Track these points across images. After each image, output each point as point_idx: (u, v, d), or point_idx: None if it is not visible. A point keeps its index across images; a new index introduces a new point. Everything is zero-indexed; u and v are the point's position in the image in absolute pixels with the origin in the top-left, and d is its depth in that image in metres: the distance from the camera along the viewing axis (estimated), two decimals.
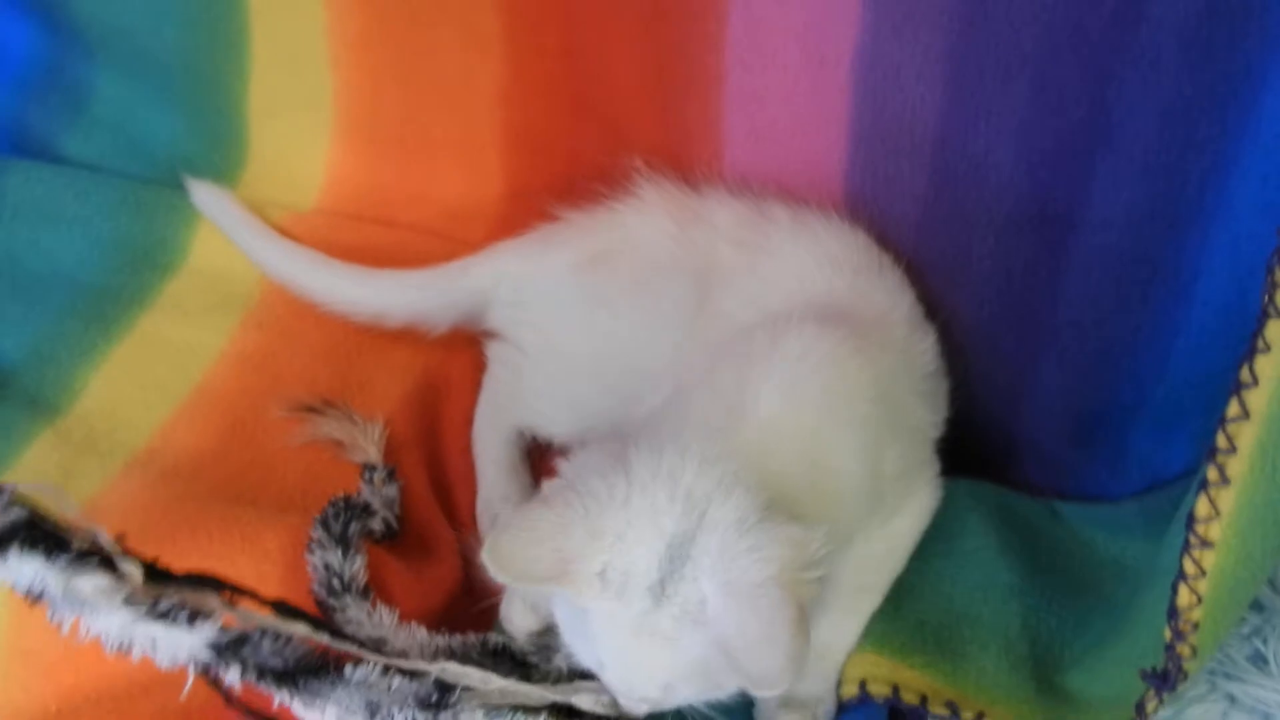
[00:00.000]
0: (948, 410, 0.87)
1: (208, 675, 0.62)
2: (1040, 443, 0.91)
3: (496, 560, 0.63)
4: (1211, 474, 0.67)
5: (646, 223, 0.91)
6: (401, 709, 0.63)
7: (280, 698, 0.62)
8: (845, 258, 0.86)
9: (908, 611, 0.81)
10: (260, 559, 0.76)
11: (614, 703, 0.70)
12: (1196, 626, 0.69)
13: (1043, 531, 0.88)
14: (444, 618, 0.79)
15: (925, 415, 0.84)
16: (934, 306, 0.87)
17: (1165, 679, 0.71)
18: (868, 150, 0.86)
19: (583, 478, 0.67)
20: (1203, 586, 0.68)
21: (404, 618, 0.74)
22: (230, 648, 0.61)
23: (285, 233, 1.05)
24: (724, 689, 0.68)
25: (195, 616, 0.61)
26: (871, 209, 0.88)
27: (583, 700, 0.70)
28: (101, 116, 1.11)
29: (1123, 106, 0.73)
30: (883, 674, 0.78)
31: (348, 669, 0.63)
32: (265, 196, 1.08)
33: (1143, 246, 0.77)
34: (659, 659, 0.65)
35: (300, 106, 1.07)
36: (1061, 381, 0.86)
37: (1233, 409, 0.65)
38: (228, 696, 0.63)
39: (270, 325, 1.00)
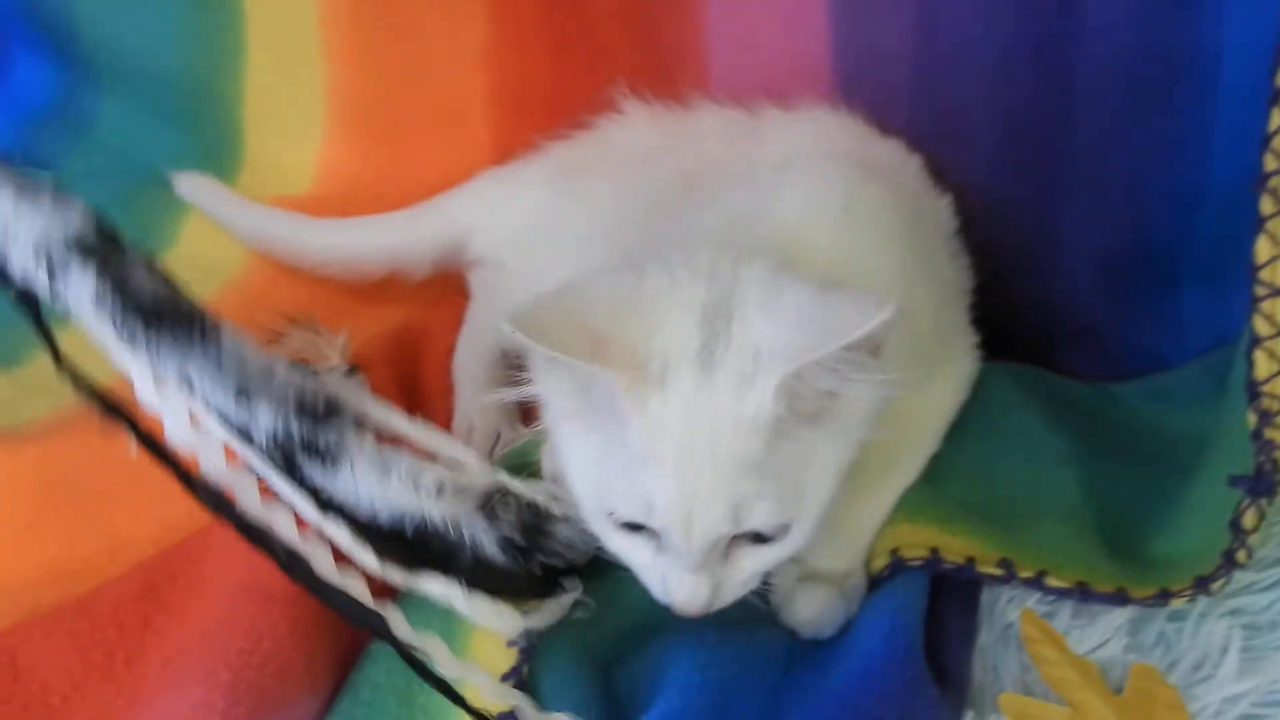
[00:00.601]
0: (972, 280, 0.78)
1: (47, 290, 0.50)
2: (1081, 315, 0.80)
3: (527, 325, 0.52)
4: (1266, 205, 0.57)
5: (629, 133, 0.87)
6: (278, 406, 0.51)
7: (130, 345, 0.50)
8: (843, 132, 0.80)
9: (945, 489, 0.70)
10: None
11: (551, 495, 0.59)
12: None
13: (1097, 410, 0.76)
14: None
15: (953, 275, 0.75)
16: (940, 179, 0.80)
17: (1260, 479, 0.58)
18: (850, 22, 0.82)
19: (589, 283, 0.58)
20: None
21: None
22: (91, 249, 0.50)
23: None
24: (800, 511, 0.56)
25: (61, 204, 0.51)
26: (862, 88, 0.83)
27: (516, 485, 0.58)
28: (104, 140, 1.12)
29: None
30: (919, 540, 0.66)
31: (225, 332, 0.52)
32: (259, 193, 1.06)
33: (1153, 41, 0.70)
34: (723, 453, 0.53)
35: (294, 102, 1.07)
36: (1090, 226, 0.77)
37: (1275, 120, 0.56)
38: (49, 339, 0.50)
39: (248, 291, 0.96)
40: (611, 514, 0.57)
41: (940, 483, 0.70)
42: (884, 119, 0.82)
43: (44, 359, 0.85)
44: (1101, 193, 0.76)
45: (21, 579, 0.64)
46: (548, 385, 0.57)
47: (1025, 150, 0.78)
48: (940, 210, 0.77)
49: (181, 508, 0.66)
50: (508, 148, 1.00)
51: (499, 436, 0.80)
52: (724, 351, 0.54)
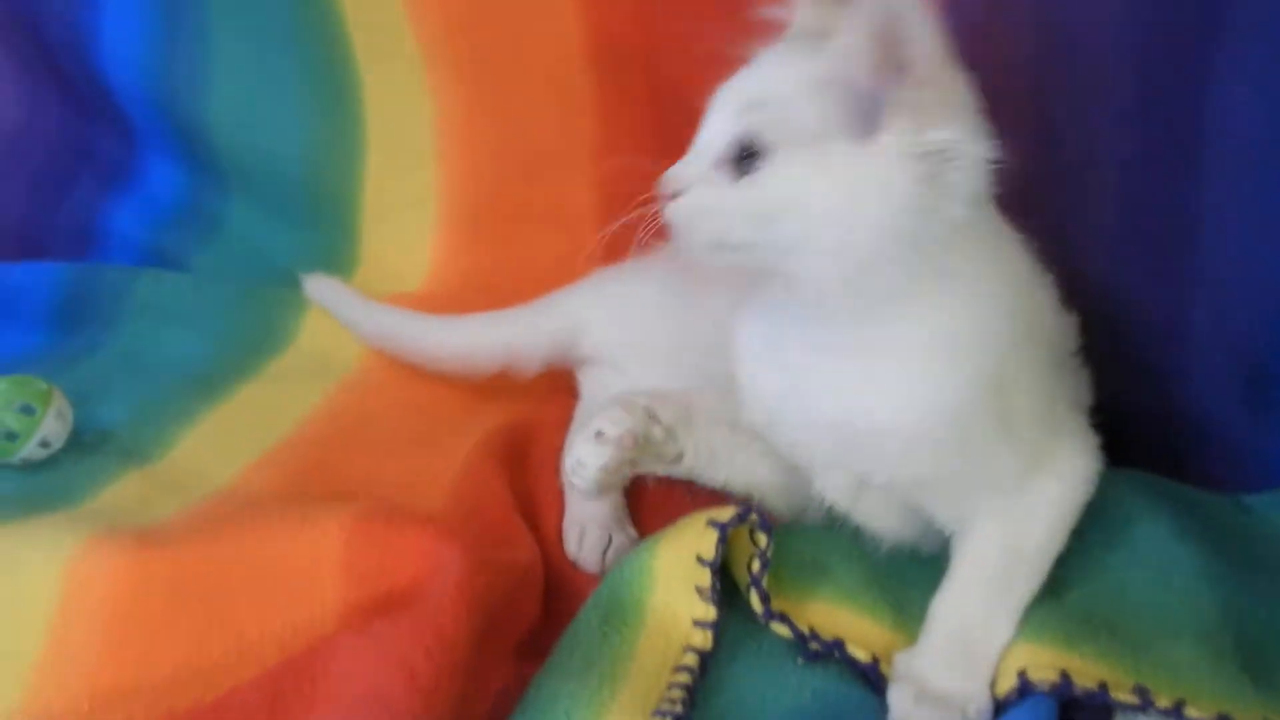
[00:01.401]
0: (1092, 396, 0.76)
1: None
2: (1208, 420, 0.77)
3: None
4: None
5: None
6: None
7: None
8: None
9: (1071, 604, 0.67)
10: (318, 538, 0.70)
11: None
12: None
13: (1231, 523, 0.73)
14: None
15: (1070, 387, 0.73)
16: (1058, 277, 0.78)
17: None
18: None
19: None
20: None
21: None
22: None
23: None
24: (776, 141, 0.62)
25: None
26: None
27: None
28: (231, 239, 1.18)
29: None
30: (1047, 661, 0.63)
31: None
32: (374, 289, 1.10)
33: None
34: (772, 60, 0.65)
35: (408, 203, 1.12)
36: (1219, 326, 0.74)
37: None
38: None
39: (364, 387, 0.99)
40: None
41: (1066, 597, 0.68)
42: (1004, 211, 0.81)
43: (175, 455, 0.92)
44: (1230, 291, 0.73)
45: (157, 679, 0.65)
46: None
47: (1150, 245, 0.75)
48: (1066, 327, 0.75)
49: (305, 612, 0.68)
50: (616, 246, 1.02)
51: (610, 540, 0.80)
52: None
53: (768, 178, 0.62)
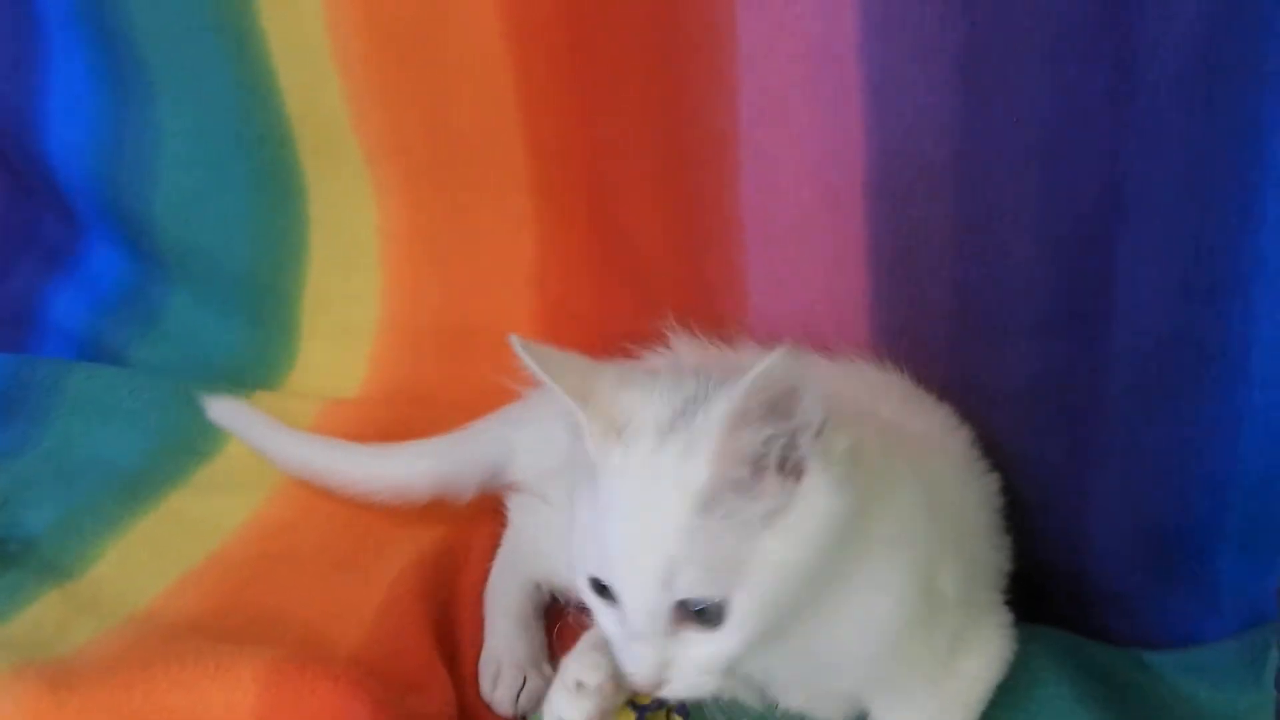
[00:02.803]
0: (1011, 563, 0.77)
1: None
2: (1114, 580, 0.80)
3: (535, 350, 0.59)
4: None
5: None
6: None
7: None
8: (888, 386, 0.81)
9: None
10: (231, 687, 0.70)
11: None
12: None
13: (1132, 683, 0.75)
14: None
15: (988, 555, 0.75)
16: (975, 438, 0.81)
17: None
18: (890, 275, 0.83)
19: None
20: None
21: None
22: None
23: (324, 420, 1.06)
24: (733, 593, 0.55)
25: None
26: (899, 340, 0.84)
27: None
28: (170, 330, 1.18)
29: (1133, 180, 0.70)
30: None
31: None
32: (309, 391, 1.11)
33: (1182, 324, 0.71)
34: (659, 512, 0.55)
35: (348, 305, 1.12)
36: (1122, 497, 0.77)
37: None
38: None
39: (294, 501, 0.98)
40: (584, 572, 0.59)
41: None
42: (921, 369, 0.83)
43: (98, 570, 0.91)
44: (1133, 466, 0.76)
45: None
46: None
47: (1058, 415, 0.78)
48: (984, 486, 0.77)
49: None
50: None
51: (525, 682, 0.80)
52: (683, 426, 0.57)
53: (739, 618, 0.56)
